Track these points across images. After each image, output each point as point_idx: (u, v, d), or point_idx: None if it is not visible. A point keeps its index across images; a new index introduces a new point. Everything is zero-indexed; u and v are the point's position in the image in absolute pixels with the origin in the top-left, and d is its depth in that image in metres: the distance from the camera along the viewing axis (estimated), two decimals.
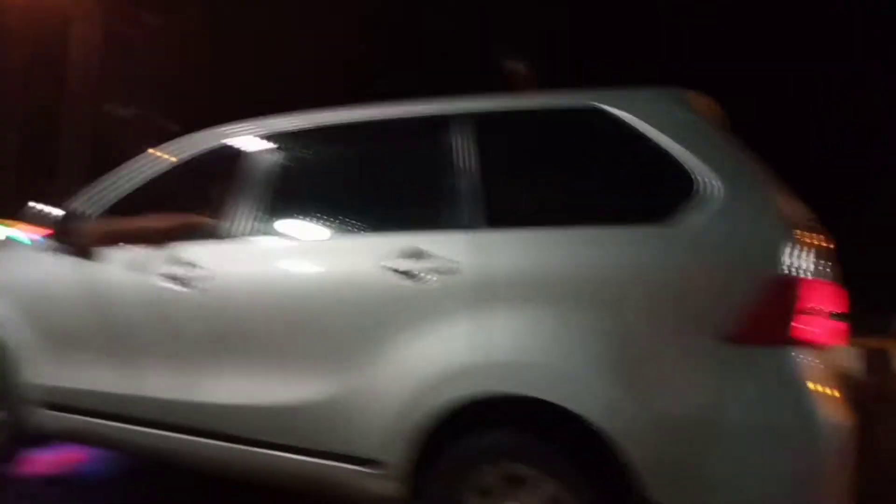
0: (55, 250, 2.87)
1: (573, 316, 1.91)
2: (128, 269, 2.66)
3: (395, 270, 2.12)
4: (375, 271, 2.15)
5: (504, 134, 2.27)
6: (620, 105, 2.11)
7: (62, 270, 2.84)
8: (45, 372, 2.81)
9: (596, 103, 2.15)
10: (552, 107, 2.28)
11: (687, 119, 2.06)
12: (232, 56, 16.99)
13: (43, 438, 2.91)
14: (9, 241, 3.39)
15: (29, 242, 3.10)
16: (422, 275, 2.09)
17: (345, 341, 2.18)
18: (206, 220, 2.66)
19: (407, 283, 2.10)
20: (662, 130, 2.02)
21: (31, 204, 2.81)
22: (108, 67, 16.42)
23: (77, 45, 15.70)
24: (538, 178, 2.27)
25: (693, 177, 1.93)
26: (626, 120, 2.07)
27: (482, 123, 2.26)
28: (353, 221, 2.39)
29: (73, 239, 2.80)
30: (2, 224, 11.29)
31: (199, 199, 2.82)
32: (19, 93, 18.01)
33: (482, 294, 2.02)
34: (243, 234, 2.49)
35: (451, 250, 2.08)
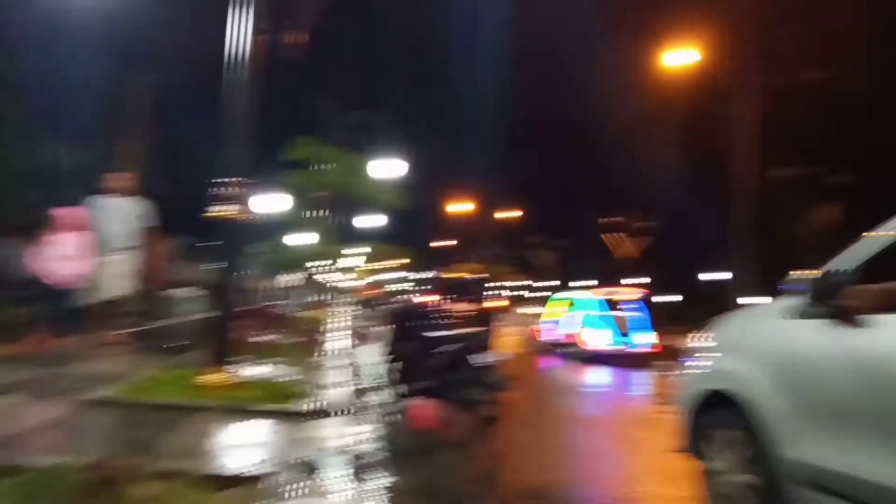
0: (809, 315, 2.67)
1: None
2: None
3: None
4: None
5: None
6: None
7: (821, 337, 2.59)
8: (807, 449, 2.58)
9: None
10: None
11: None
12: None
13: None
14: (753, 307, 3.41)
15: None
16: None
17: None
18: None
19: None
20: None
21: (792, 273, 2.68)
22: (768, 127, 16.68)
23: (739, 116, 16.56)
24: None
25: None
26: None
27: None
28: None
29: (833, 302, 2.53)
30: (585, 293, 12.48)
31: None
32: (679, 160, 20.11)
33: None
34: None
35: None
